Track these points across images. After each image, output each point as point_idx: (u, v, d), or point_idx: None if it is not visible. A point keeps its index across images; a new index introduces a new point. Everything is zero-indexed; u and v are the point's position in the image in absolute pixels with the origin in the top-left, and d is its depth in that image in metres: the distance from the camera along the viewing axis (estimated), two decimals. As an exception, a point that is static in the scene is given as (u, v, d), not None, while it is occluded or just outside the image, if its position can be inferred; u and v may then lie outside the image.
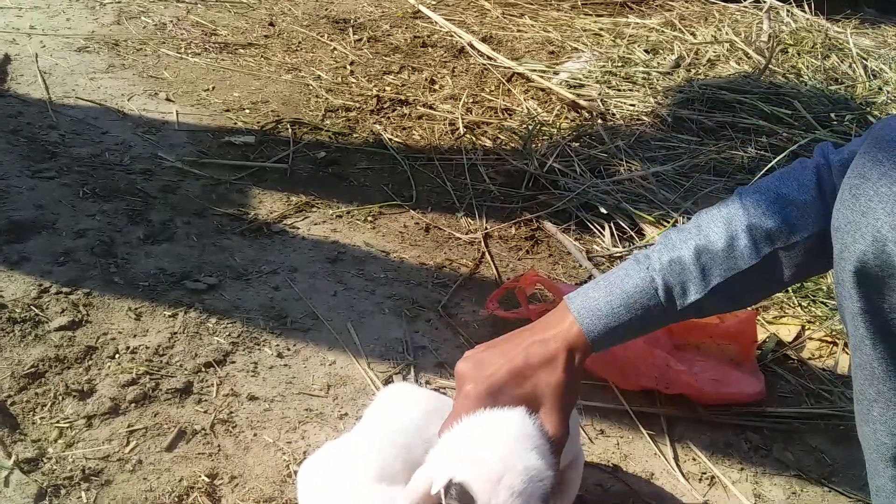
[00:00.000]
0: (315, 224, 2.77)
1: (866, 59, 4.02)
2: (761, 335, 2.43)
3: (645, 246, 2.80)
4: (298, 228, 2.74)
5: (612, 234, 2.87)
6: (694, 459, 2.04)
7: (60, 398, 1.83)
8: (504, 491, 1.32)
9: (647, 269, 1.50)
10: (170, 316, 2.17)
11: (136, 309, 2.17)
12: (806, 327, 2.50)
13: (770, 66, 3.83)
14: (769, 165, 3.00)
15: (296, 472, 1.70)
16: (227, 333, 2.15)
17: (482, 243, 2.83)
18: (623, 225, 2.89)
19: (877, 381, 1.29)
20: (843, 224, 1.27)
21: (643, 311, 1.47)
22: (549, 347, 1.45)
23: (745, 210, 1.48)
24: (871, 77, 3.89)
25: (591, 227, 2.91)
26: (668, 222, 2.86)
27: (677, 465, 2.01)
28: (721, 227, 1.50)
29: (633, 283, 1.47)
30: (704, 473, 2.00)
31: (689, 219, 2.86)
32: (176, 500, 1.63)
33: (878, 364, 1.27)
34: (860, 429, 1.39)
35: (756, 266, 1.47)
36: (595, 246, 2.86)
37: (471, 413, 1.46)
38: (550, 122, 3.45)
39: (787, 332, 2.48)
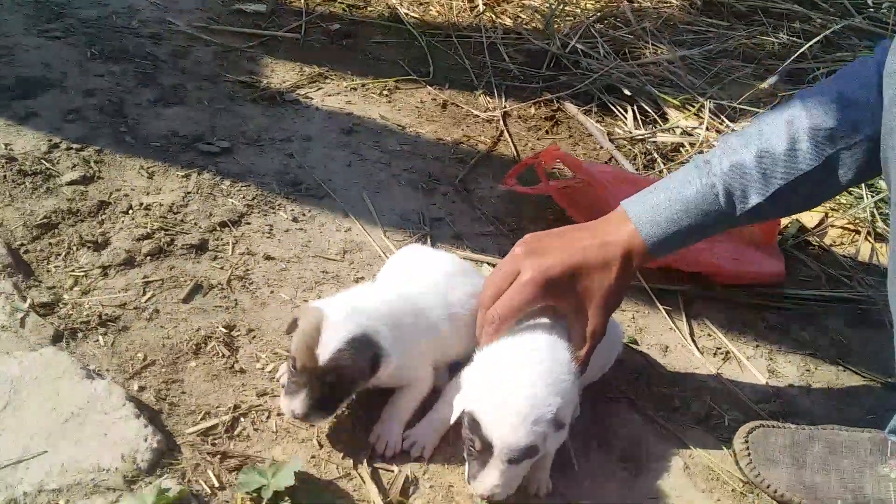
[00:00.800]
0: (329, 95, 2.69)
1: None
2: (783, 221, 2.39)
3: (670, 129, 2.73)
4: (312, 99, 2.66)
5: (634, 118, 2.79)
6: (709, 335, 2.03)
7: (75, 249, 1.81)
8: (508, 417, 1.37)
9: (708, 175, 1.46)
10: (183, 176, 2.12)
11: (148, 168, 2.12)
12: (829, 214, 2.46)
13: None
14: (800, 51, 2.89)
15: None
16: (242, 196, 2.11)
17: (501, 121, 2.75)
18: (647, 108, 2.81)
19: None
20: None
21: (703, 217, 1.46)
22: (608, 252, 1.47)
23: (807, 112, 1.43)
24: (910, -34, 3.72)
25: (614, 109, 2.83)
26: (694, 107, 2.78)
27: (692, 339, 2.00)
28: (782, 130, 1.44)
29: (694, 189, 1.46)
30: (719, 349, 1.99)
31: (714, 104, 2.80)
32: (194, 347, 1.62)
33: None
34: (892, 289, 1.37)
35: (817, 168, 1.43)
36: (617, 129, 2.78)
37: (526, 299, 1.47)
38: (575, 1, 3.31)
39: (809, 219, 2.44)
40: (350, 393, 1.50)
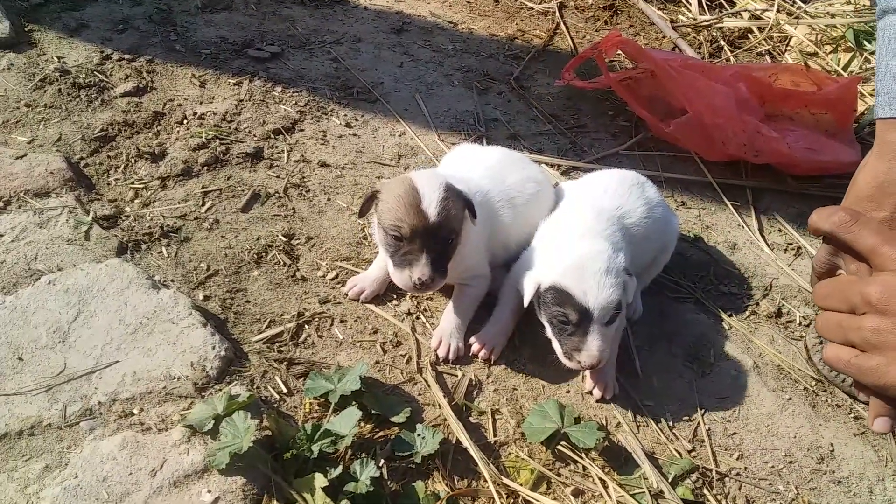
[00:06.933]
0: (378, -7, 2.60)
1: None
2: (860, 107, 2.25)
3: (737, 13, 2.57)
4: (360, -2, 2.58)
5: (699, 3, 2.64)
6: (780, 230, 1.96)
7: (133, 161, 1.81)
8: (591, 277, 1.36)
9: None
10: (234, 84, 2.09)
11: (199, 76, 2.09)
12: (910, 99, 2.30)
13: None
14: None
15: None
16: (294, 102, 2.07)
17: (556, 13, 2.62)
18: (712, -8, 2.65)
19: None
20: None
21: None
22: None
23: None
24: None
25: (676, -6, 2.67)
26: (763, -12, 2.60)
27: (762, 235, 1.93)
28: None
29: None
30: (790, 244, 1.92)
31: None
32: (255, 257, 1.63)
33: None
34: None
35: None
36: (681, 16, 2.63)
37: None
38: None
39: (888, 104, 2.29)
40: (454, 250, 1.45)
